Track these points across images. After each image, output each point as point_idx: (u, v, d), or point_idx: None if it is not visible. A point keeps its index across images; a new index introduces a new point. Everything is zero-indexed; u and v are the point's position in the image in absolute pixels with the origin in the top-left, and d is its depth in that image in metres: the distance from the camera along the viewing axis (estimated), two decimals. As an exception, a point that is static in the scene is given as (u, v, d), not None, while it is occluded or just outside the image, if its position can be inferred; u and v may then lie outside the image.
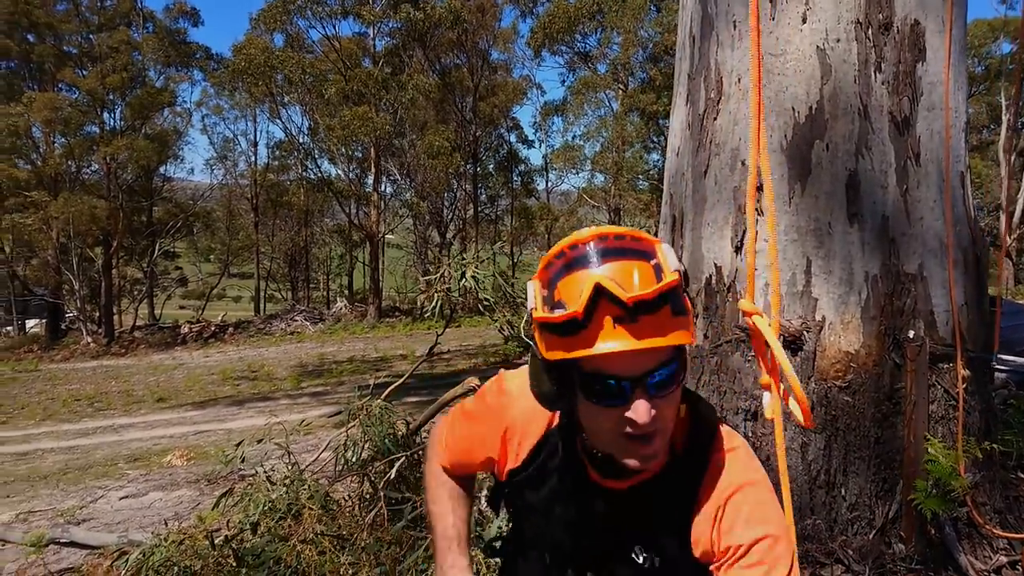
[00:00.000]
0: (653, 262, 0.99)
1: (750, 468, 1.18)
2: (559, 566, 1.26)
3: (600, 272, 0.97)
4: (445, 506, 1.45)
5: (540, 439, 1.24)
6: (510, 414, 1.28)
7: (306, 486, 3.86)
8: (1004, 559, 3.11)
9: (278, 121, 30.71)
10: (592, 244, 1.01)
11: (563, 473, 1.21)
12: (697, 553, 1.14)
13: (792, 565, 1.08)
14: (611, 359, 0.98)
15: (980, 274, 3.51)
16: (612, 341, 0.95)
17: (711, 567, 1.12)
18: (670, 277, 0.97)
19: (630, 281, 0.96)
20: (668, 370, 1.02)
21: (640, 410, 1.00)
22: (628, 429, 1.02)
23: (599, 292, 0.94)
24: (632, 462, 1.07)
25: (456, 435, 1.44)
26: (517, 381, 1.28)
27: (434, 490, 1.48)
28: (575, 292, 0.97)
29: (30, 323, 31.22)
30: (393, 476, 3.67)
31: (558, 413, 1.21)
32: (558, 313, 0.98)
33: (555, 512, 1.23)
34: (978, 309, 3.48)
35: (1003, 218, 29.40)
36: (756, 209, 3.27)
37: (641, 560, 1.17)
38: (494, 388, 1.34)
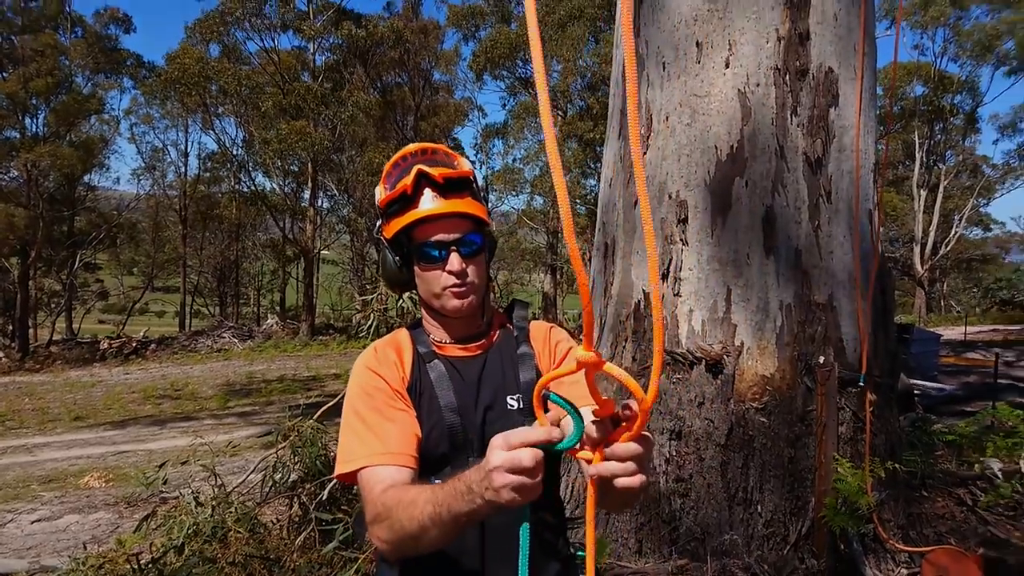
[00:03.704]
0: (456, 163, 1.46)
1: (550, 323, 1.66)
2: (456, 447, 1.44)
3: (422, 165, 1.40)
4: (416, 493, 1.23)
5: (411, 347, 1.52)
6: (379, 357, 1.50)
7: (232, 508, 3.80)
8: (905, 572, 3.33)
9: (211, 132, 29.88)
10: (415, 154, 1.47)
11: (431, 360, 1.50)
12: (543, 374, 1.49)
13: None
14: (434, 226, 1.42)
15: (886, 305, 3.77)
16: (431, 204, 1.41)
17: (552, 369, 1.51)
18: (465, 168, 1.45)
19: (443, 169, 1.41)
20: (474, 237, 1.45)
21: (454, 262, 1.42)
22: (449, 281, 1.44)
23: (421, 175, 1.40)
24: (453, 303, 1.46)
25: (369, 424, 1.39)
26: (363, 354, 1.54)
27: (402, 505, 1.23)
28: (405, 180, 1.40)
29: (-66, 336, 29.32)
30: (325, 497, 3.65)
31: (410, 333, 1.55)
32: (396, 190, 1.42)
33: (440, 403, 1.45)
34: (884, 337, 3.73)
35: (916, 249, 31.12)
36: (681, 240, 3.45)
37: (516, 404, 1.48)
38: (357, 369, 1.50)
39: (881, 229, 3.91)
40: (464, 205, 1.42)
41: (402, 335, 1.56)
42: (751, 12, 3.39)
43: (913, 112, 30.72)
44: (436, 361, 1.49)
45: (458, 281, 1.43)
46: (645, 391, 0.91)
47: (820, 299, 3.41)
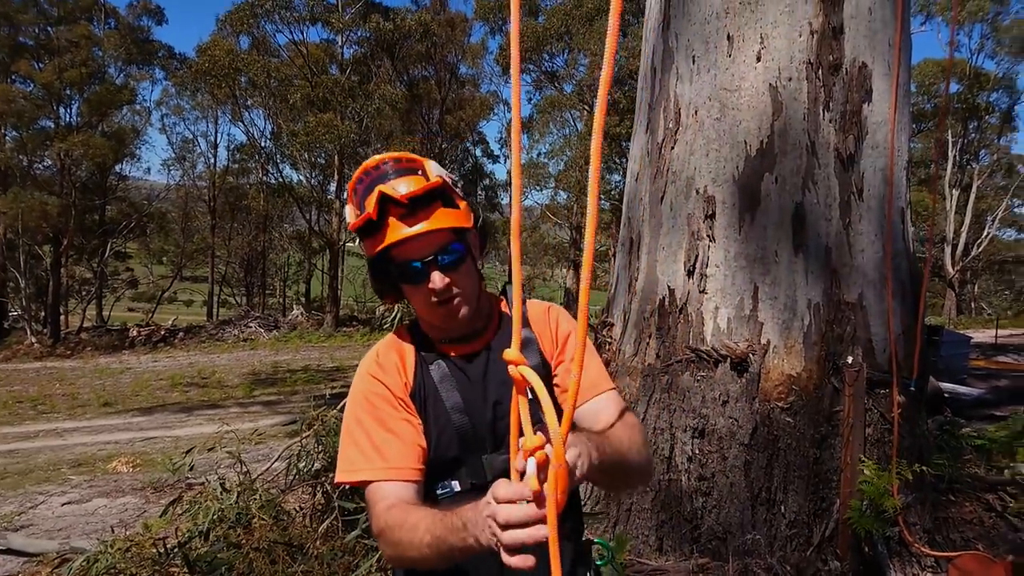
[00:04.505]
0: (420, 173, 1.35)
1: (548, 302, 1.62)
2: (467, 448, 1.43)
3: (382, 185, 1.30)
4: (417, 519, 1.25)
5: (412, 349, 1.49)
6: (381, 362, 1.48)
7: (257, 495, 3.85)
8: (931, 576, 3.27)
9: (240, 124, 30.32)
10: (376, 168, 1.35)
11: (434, 361, 1.47)
12: (549, 361, 1.49)
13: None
14: (407, 248, 1.34)
15: (917, 305, 3.70)
16: (399, 230, 1.31)
17: (554, 363, 1.49)
18: (433, 180, 1.33)
19: (404, 187, 1.30)
20: (454, 247, 1.37)
21: (436, 280, 1.35)
22: (434, 298, 1.37)
23: (384, 198, 1.29)
24: (447, 321, 1.42)
25: (372, 435, 1.40)
26: (365, 358, 1.52)
27: (404, 528, 1.25)
28: (368, 205, 1.30)
29: (-30, 321, 30.04)
30: (347, 487, 3.68)
31: (409, 333, 1.52)
32: (361, 216, 1.32)
33: (446, 405, 1.43)
34: (914, 338, 3.66)
35: (947, 250, 30.55)
36: (708, 236, 3.42)
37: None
38: (360, 374, 1.49)
39: (912, 228, 3.84)
40: (435, 221, 1.32)
41: (403, 336, 1.52)
42: (784, 5, 3.34)
43: (947, 110, 30.08)
44: (438, 362, 1.46)
45: (444, 298, 1.37)
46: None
47: (849, 298, 3.35)
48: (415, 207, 1.31)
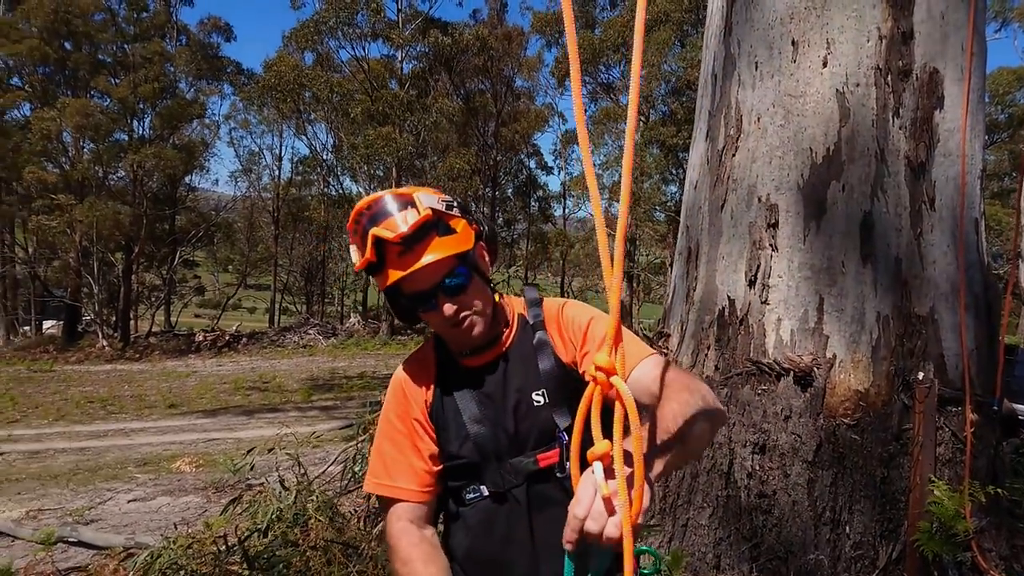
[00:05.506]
0: (412, 207, 1.37)
1: (564, 299, 1.62)
2: (485, 456, 1.48)
3: (375, 228, 1.35)
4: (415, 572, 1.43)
5: (435, 361, 1.57)
6: (405, 378, 1.57)
7: (314, 497, 3.91)
8: (1008, 606, 3.10)
9: (303, 137, 31.26)
10: (369, 208, 1.39)
11: (454, 373, 1.53)
12: (567, 360, 1.49)
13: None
14: (411, 281, 1.38)
15: (992, 320, 3.53)
16: (400, 269, 1.37)
17: (579, 356, 1.48)
18: (423, 214, 1.35)
19: (396, 226, 1.34)
20: (459, 271, 1.41)
21: (446, 308, 1.41)
22: (448, 323, 1.44)
23: (378, 240, 1.35)
24: (462, 339, 1.48)
25: (385, 455, 1.53)
26: (398, 371, 1.61)
27: (403, 569, 1.43)
28: (366, 249, 1.36)
29: (47, 324, 31.51)
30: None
31: (434, 347, 1.59)
32: (362, 260, 1.38)
33: (463, 416, 1.49)
34: (989, 354, 3.50)
35: (1022, 266, 29.17)
36: (770, 245, 3.34)
37: (542, 400, 1.47)
38: (389, 390, 1.60)
39: (986, 243, 3.67)
40: (433, 252, 1.37)
41: (428, 350, 1.61)
42: (851, 10, 3.25)
43: (1023, 120, 28.81)
44: (458, 373, 1.53)
45: (456, 321, 1.43)
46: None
47: (921, 311, 3.22)
48: (410, 243, 1.36)
